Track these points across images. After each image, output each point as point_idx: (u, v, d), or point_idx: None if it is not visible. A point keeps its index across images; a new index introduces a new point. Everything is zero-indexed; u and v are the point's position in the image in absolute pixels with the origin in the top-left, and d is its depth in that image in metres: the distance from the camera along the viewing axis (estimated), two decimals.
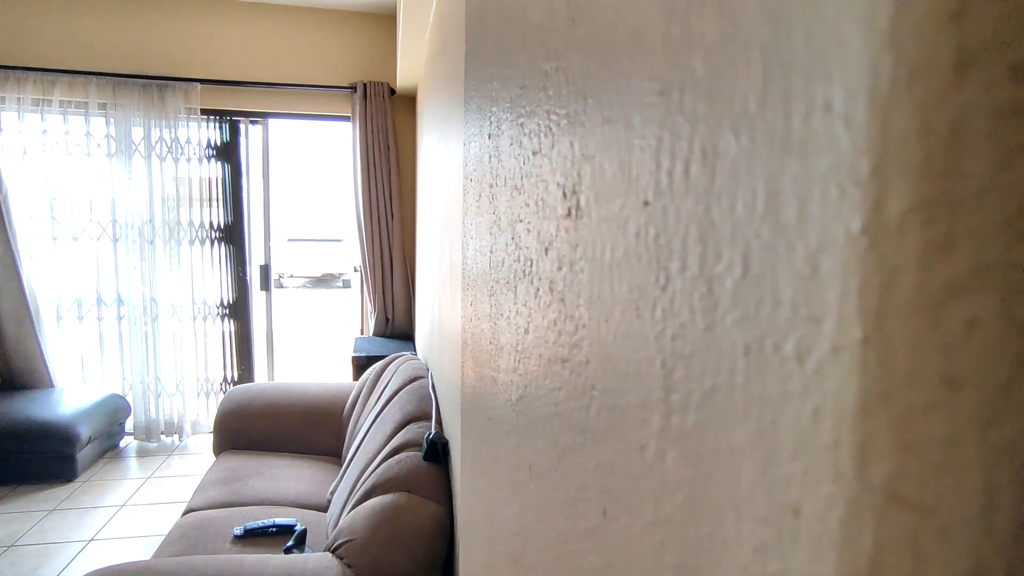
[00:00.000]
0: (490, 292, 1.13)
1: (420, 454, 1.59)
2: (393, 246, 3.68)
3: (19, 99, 3.35)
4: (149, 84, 3.44)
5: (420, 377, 2.15)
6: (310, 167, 13.12)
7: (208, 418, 3.78)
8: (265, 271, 3.88)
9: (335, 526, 1.87)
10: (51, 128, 3.45)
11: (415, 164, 3.78)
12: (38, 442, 3.03)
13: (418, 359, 2.47)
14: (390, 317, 3.73)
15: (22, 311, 3.43)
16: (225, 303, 3.76)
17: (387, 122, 3.61)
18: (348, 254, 11.35)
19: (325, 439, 2.61)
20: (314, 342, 6.71)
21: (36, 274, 3.50)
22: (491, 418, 1.13)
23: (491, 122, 1.12)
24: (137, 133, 3.50)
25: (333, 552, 1.49)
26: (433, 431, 1.60)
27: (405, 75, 3.18)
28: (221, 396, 3.80)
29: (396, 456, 1.63)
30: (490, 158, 1.14)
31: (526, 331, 0.91)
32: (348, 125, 3.81)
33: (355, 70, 3.70)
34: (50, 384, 3.53)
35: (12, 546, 2.53)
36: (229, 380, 3.82)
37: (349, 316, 8.35)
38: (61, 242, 3.56)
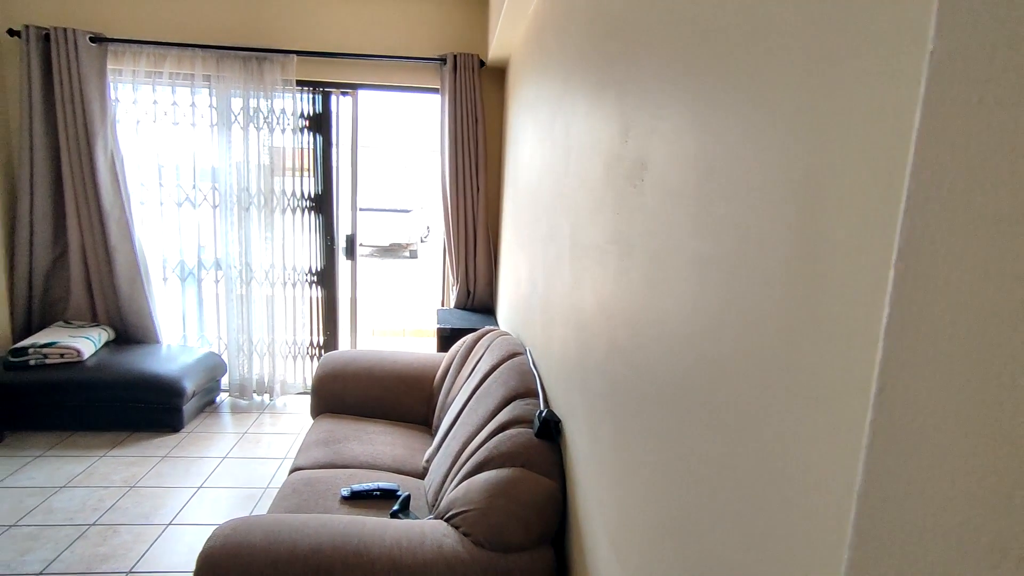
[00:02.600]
0: (618, 270, 1.11)
1: (531, 431, 1.60)
2: (477, 219, 3.70)
3: (134, 72, 3.53)
4: (249, 56, 3.55)
5: (518, 353, 2.17)
6: (383, 138, 13.35)
7: (295, 379, 3.96)
8: (351, 240, 3.98)
9: (436, 494, 1.93)
10: (161, 99, 3.62)
11: (501, 137, 3.76)
12: (150, 393, 3.26)
13: (510, 334, 2.49)
14: (471, 290, 3.77)
15: (134, 271, 3.66)
16: (313, 270, 3.89)
17: (476, 94, 3.59)
18: (416, 225, 11.54)
19: (415, 407, 2.68)
20: (387, 310, 6.90)
21: (146, 237, 3.73)
22: (611, 396, 1.12)
23: (626, 104, 1.08)
24: (236, 104, 3.63)
25: (447, 521, 1.53)
26: (544, 409, 1.61)
27: (499, 47, 3.15)
28: (308, 359, 3.98)
29: (506, 432, 1.65)
30: (619, 138, 1.11)
31: (658, 309, 0.89)
32: (432, 97, 3.83)
33: (445, 42, 3.69)
34: (157, 340, 3.78)
35: (134, 487, 2.76)
36: (315, 344, 3.98)
37: (417, 286, 8.52)
38: (167, 208, 3.77)
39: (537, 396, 1.82)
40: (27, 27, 3.35)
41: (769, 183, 0.57)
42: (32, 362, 3.22)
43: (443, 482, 1.91)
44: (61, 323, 3.62)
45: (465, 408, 2.13)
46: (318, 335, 3.97)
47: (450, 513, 1.54)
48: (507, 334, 2.50)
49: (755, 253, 0.60)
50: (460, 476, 1.68)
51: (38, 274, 3.60)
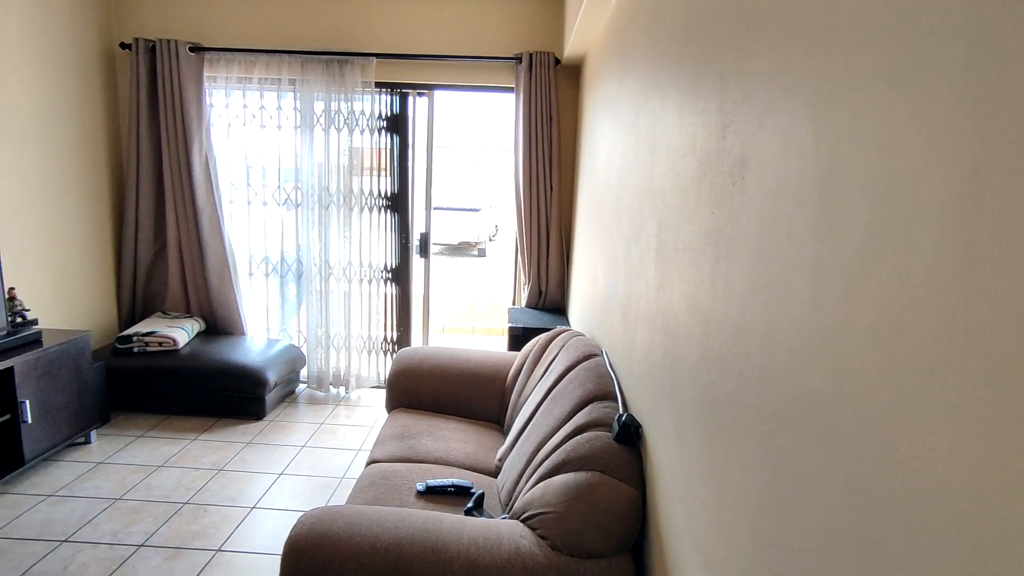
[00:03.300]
0: (714, 272, 1.05)
1: (610, 434, 1.56)
2: (550, 219, 3.68)
3: (227, 78, 3.73)
4: (331, 60, 3.67)
5: (594, 355, 2.13)
6: (453, 137, 13.57)
7: (369, 373, 4.08)
8: (425, 239, 4.05)
9: (510, 494, 1.92)
10: (250, 103, 3.82)
11: (576, 135, 3.72)
12: (237, 382, 3.43)
13: (585, 335, 2.45)
14: (543, 290, 3.75)
15: (223, 266, 3.88)
16: (388, 267, 3.99)
17: (550, 93, 3.57)
18: (485, 224, 11.65)
19: (488, 405, 2.69)
20: (456, 307, 6.99)
21: (234, 234, 3.94)
22: (704, 404, 1.07)
23: (727, 97, 1.03)
24: (319, 107, 3.77)
25: (524, 522, 1.52)
26: (624, 413, 1.57)
27: (576, 44, 3.11)
28: (382, 354, 4.08)
29: (584, 434, 1.62)
30: (716, 133, 1.05)
31: (765, 316, 0.83)
32: (503, 96, 3.84)
33: (520, 41, 3.69)
34: (243, 332, 3.98)
35: (221, 470, 2.91)
36: (389, 340, 4.08)
37: (486, 284, 8.60)
38: (254, 206, 3.97)
39: (615, 399, 1.78)
40: (136, 40, 3.61)
41: (920, 181, 0.52)
42: (135, 349, 3.47)
43: (517, 482, 1.90)
44: (160, 314, 3.88)
45: (539, 408, 2.12)
46: (392, 331, 4.07)
47: (526, 514, 1.53)
48: (581, 335, 2.46)
49: (894, 256, 0.54)
50: (536, 477, 1.66)
51: (141, 268, 3.88)
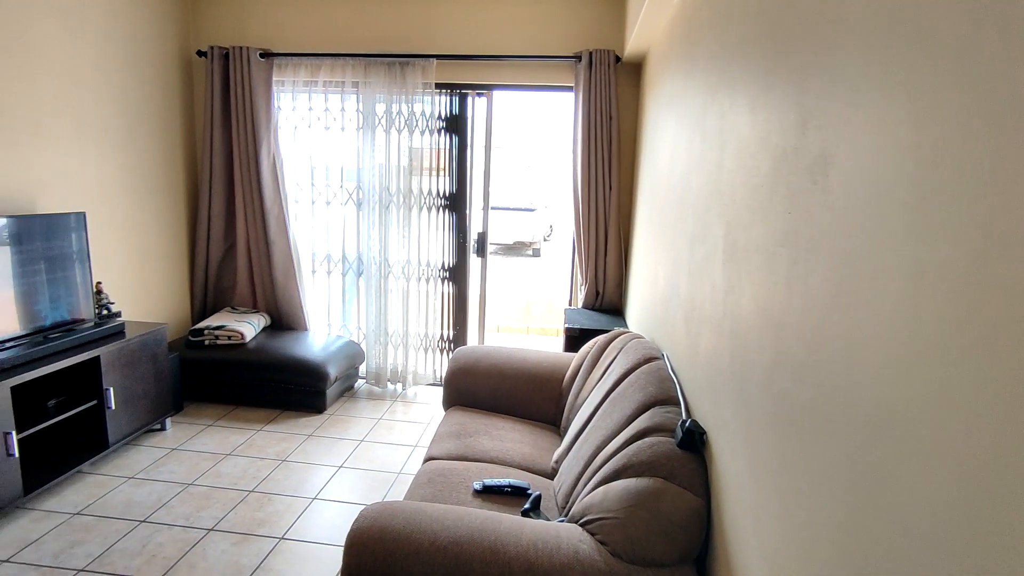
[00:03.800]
0: (790, 275, 1.00)
1: (672, 440, 1.52)
2: (609, 219, 3.63)
3: (293, 82, 3.87)
4: (393, 62, 3.74)
5: (654, 358, 2.08)
6: (509, 137, 13.63)
7: (426, 370, 4.13)
8: (482, 238, 4.08)
9: (567, 496, 1.90)
10: (315, 106, 3.94)
11: (636, 134, 3.66)
12: (299, 376, 3.55)
13: (644, 338, 2.40)
14: (600, 291, 3.71)
15: (288, 263, 4.02)
16: (446, 266, 4.04)
17: (611, 91, 3.52)
18: (539, 224, 11.63)
19: (544, 406, 2.68)
20: (511, 306, 7.01)
21: (298, 232, 4.07)
22: (777, 413, 1.01)
23: (807, 91, 0.97)
24: (380, 108, 3.84)
25: (583, 526, 1.50)
26: (688, 419, 1.52)
27: (637, 42, 3.05)
28: (438, 352, 4.13)
29: (645, 439, 1.58)
30: (794, 130, 0.99)
31: (850, 322, 0.78)
32: (559, 95, 3.81)
33: (580, 39, 3.66)
34: (305, 328, 4.12)
35: (284, 461, 3.02)
36: (445, 338, 4.12)
37: (540, 284, 8.58)
38: (317, 206, 4.09)
39: (678, 404, 1.73)
40: (212, 48, 3.79)
41: None
42: (206, 342, 3.65)
43: (574, 485, 1.88)
44: (229, 308, 4.06)
45: (598, 411, 2.08)
46: (448, 329, 4.12)
47: (585, 519, 1.51)
48: (641, 337, 2.41)
49: (1020, 259, 0.50)
50: (595, 482, 1.64)
51: (212, 265, 4.06)
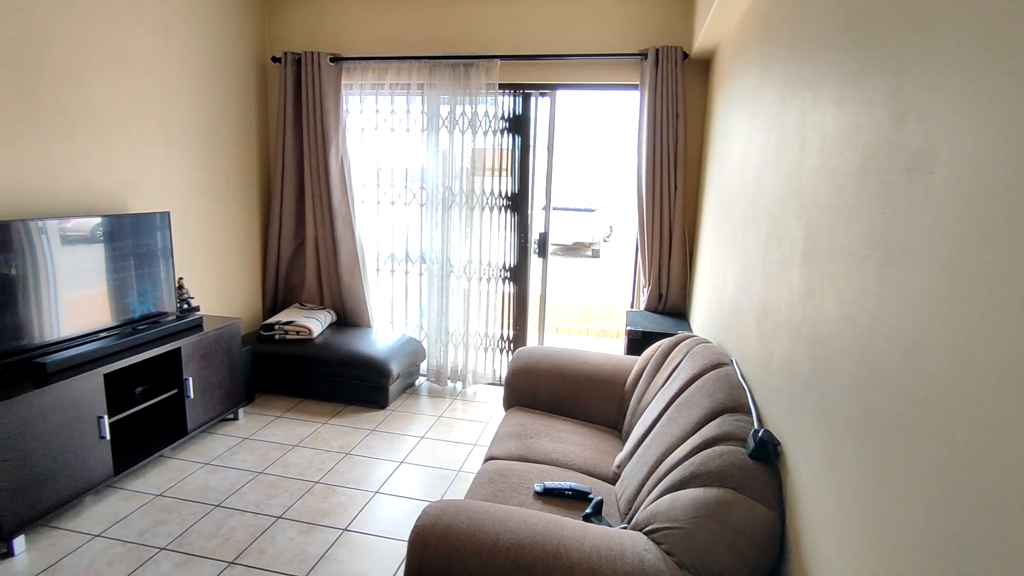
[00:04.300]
0: (880, 280, 0.93)
1: (743, 450, 1.46)
2: (674, 219, 3.54)
3: (361, 85, 3.97)
4: (458, 64, 3.78)
5: (722, 364, 2.01)
6: (569, 137, 13.56)
7: (485, 370, 4.16)
8: (543, 239, 4.06)
9: (629, 502, 1.86)
10: (381, 108, 4.03)
11: (703, 132, 3.55)
12: (363, 371, 3.64)
13: (711, 342, 2.32)
14: (664, 293, 3.62)
15: (353, 261, 4.13)
16: (507, 266, 4.04)
17: (677, 88, 3.43)
18: (599, 224, 11.51)
19: (605, 409, 2.64)
20: (570, 307, 6.97)
21: (364, 231, 4.18)
22: (865, 428, 0.95)
23: (905, 81, 0.90)
24: (444, 109, 3.89)
25: (647, 534, 1.46)
26: (760, 428, 1.45)
27: (707, 37, 2.96)
28: (498, 351, 4.14)
29: (713, 448, 1.52)
30: (889, 123, 0.92)
31: (957, 334, 0.71)
32: (621, 94, 3.75)
33: (646, 36, 3.58)
34: (369, 324, 4.22)
35: (348, 454, 3.10)
36: (505, 338, 4.13)
37: (600, 285, 8.48)
38: (382, 206, 4.19)
39: (748, 413, 1.66)
40: (285, 54, 3.94)
41: None
42: (276, 336, 3.80)
43: (637, 492, 1.84)
44: (297, 305, 4.21)
45: (662, 417, 2.03)
46: (508, 329, 4.12)
47: (651, 527, 1.47)
48: (707, 341, 2.34)
49: None
50: (660, 489, 1.59)
51: (283, 262, 4.23)
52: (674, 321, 3.43)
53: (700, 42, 3.10)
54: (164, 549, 2.26)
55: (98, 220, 2.72)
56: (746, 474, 1.39)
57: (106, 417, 2.53)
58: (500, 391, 4.10)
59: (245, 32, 3.93)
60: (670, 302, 3.62)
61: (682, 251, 3.56)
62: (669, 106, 3.45)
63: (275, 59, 4.02)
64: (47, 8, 2.63)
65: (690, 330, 3.29)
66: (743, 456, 1.44)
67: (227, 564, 2.19)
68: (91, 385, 2.46)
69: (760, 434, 1.42)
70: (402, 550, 2.32)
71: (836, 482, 1.07)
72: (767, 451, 1.40)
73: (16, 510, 2.18)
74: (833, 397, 1.11)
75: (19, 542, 2.22)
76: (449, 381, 4.15)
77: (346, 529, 2.44)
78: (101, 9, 2.89)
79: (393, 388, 3.78)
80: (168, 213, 3.10)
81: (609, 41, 3.64)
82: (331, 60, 3.89)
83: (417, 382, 4.25)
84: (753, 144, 2.04)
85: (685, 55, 3.44)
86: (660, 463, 1.80)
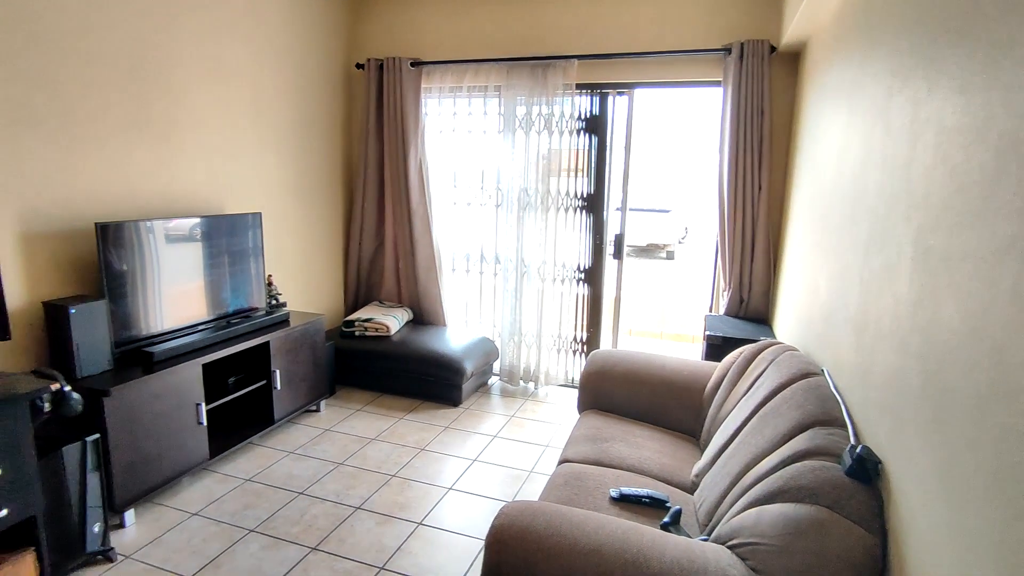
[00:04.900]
0: (1015, 290, 0.84)
1: (839, 467, 1.37)
2: (757, 221, 3.39)
3: (440, 88, 4.05)
4: (536, 64, 3.78)
5: (812, 373, 1.90)
6: (644, 137, 13.29)
7: (557, 371, 4.14)
8: (619, 240, 4.00)
9: (709, 514, 1.79)
10: (459, 110, 4.10)
11: (790, 129, 3.38)
12: (438, 369, 3.71)
13: (797, 350, 2.20)
14: (745, 297, 3.47)
15: (430, 261, 4.22)
16: (581, 268, 4.01)
17: (763, 84, 3.28)
18: (674, 226, 11.21)
19: (682, 416, 2.56)
20: (644, 310, 6.83)
21: (441, 232, 4.26)
22: (993, 455, 0.86)
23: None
24: (520, 111, 3.90)
25: (731, 548, 1.40)
26: (859, 444, 1.36)
27: (798, 29, 2.81)
28: (571, 353, 4.11)
29: (804, 462, 1.44)
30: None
31: None
32: (699, 91, 3.62)
33: (729, 30, 3.45)
34: (444, 323, 4.30)
35: (423, 449, 3.17)
36: (578, 340, 4.10)
37: (674, 288, 8.26)
38: (458, 207, 4.25)
39: (843, 427, 1.56)
40: (369, 60, 4.08)
41: None
42: (356, 333, 3.94)
43: (718, 502, 1.77)
44: (376, 302, 4.35)
45: (745, 426, 1.94)
46: (582, 331, 4.09)
47: (735, 541, 1.40)
48: (794, 349, 2.22)
49: None
50: (745, 502, 1.52)
51: (363, 261, 4.38)
52: (756, 327, 3.28)
53: (790, 34, 2.95)
54: (253, 531, 2.39)
55: (197, 220, 2.91)
56: (842, 492, 1.30)
57: (203, 404, 2.70)
58: (572, 393, 4.07)
59: (332, 41, 4.10)
60: (752, 307, 3.47)
61: (766, 254, 3.41)
62: (753, 102, 3.30)
63: (359, 65, 4.16)
64: (165, 34, 2.84)
65: (773, 336, 3.14)
66: (838, 473, 1.35)
67: (310, 549, 2.28)
68: (191, 374, 2.63)
69: (858, 451, 1.33)
70: (475, 548, 2.34)
71: (958, 513, 0.98)
72: (866, 469, 1.31)
73: (128, 485, 2.37)
74: (952, 416, 1.02)
75: (129, 515, 2.41)
76: (521, 381, 4.16)
77: (421, 523, 2.49)
78: (205, 29, 3.09)
79: (466, 386, 3.83)
80: (260, 214, 3.28)
81: (690, 37, 3.53)
82: (411, 64, 3.99)
83: (490, 381, 4.28)
84: (852, 140, 1.91)
85: (772, 48, 3.29)
86: (743, 475, 1.72)
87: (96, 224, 2.41)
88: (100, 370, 2.40)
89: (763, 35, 3.38)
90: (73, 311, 2.29)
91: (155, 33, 2.83)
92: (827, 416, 1.62)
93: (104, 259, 2.45)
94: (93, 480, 2.15)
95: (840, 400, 1.70)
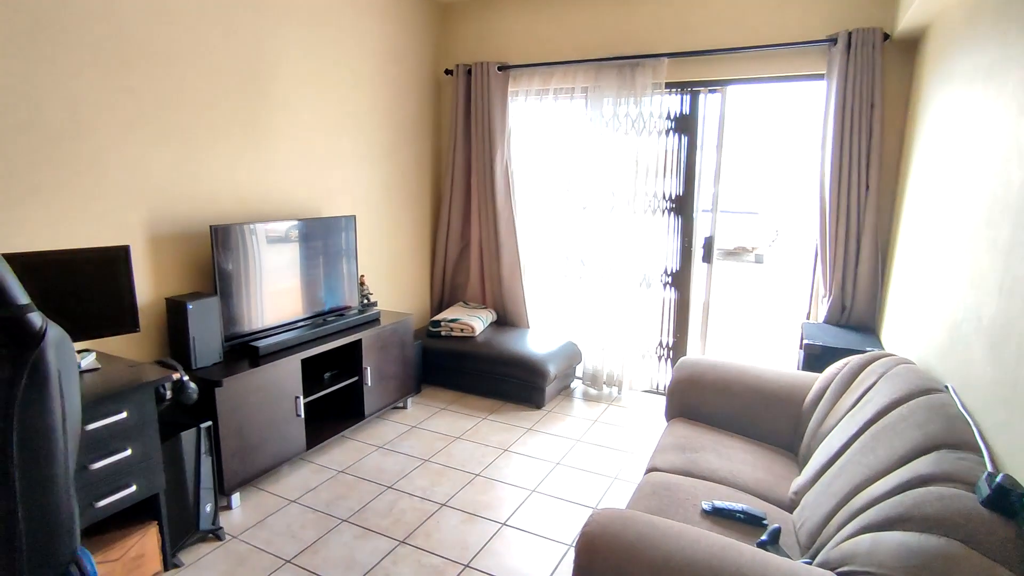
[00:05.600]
0: None
1: (972, 495, 1.24)
2: (863, 223, 3.16)
3: (526, 91, 4.07)
4: (624, 64, 3.72)
5: (933, 390, 1.74)
6: (732, 135, 12.78)
7: (642, 377, 4.04)
8: (709, 243, 3.85)
9: (812, 535, 1.68)
10: (545, 113, 4.10)
11: (904, 124, 3.12)
12: (521, 371, 3.72)
13: (913, 363, 2.02)
14: (848, 305, 3.24)
15: (514, 263, 4.25)
16: (668, 271, 3.89)
17: (874, 75, 3.05)
18: (763, 228, 10.71)
19: (777, 429, 2.42)
20: (733, 316, 6.55)
21: (525, 234, 4.28)
22: None
23: None
24: (608, 111, 3.85)
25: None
26: (998, 473, 1.22)
27: (919, 12, 2.59)
28: (656, 359, 4.00)
29: (930, 488, 1.31)
30: None
31: None
32: (802, 84, 3.41)
33: (834, 19, 3.23)
34: (527, 325, 4.31)
35: (506, 450, 3.18)
36: (664, 345, 3.98)
37: (764, 293, 7.87)
38: (544, 209, 4.25)
39: (975, 451, 1.41)
40: (457, 66, 4.17)
41: None
42: (442, 333, 4.02)
43: (823, 524, 1.65)
44: (462, 303, 4.43)
45: (853, 443, 1.81)
46: (668, 336, 3.97)
47: (847, 568, 1.30)
48: (909, 362, 2.04)
49: None
50: (856, 526, 1.41)
51: (450, 263, 4.48)
52: (860, 336, 3.05)
53: (908, 19, 2.72)
54: (345, 521, 2.49)
55: (296, 223, 3.08)
56: (978, 526, 1.18)
57: (301, 397, 2.85)
58: (655, 399, 3.96)
59: (423, 50, 4.22)
60: (855, 315, 3.23)
61: (873, 258, 3.16)
62: (862, 95, 3.08)
63: (447, 71, 4.26)
64: (272, 52, 3.03)
65: (880, 346, 2.91)
66: (973, 503, 1.22)
67: (398, 542, 2.35)
68: (291, 368, 2.78)
69: (998, 480, 1.19)
70: (558, 552, 2.32)
71: None
72: (1008, 501, 1.17)
73: (235, 470, 2.54)
74: None
75: (236, 498, 2.59)
76: (604, 386, 4.10)
77: (504, 524, 2.50)
78: (307, 43, 3.27)
79: (549, 389, 3.82)
80: (354, 216, 3.42)
81: (789, 29, 3.34)
82: (499, 69, 4.03)
83: (572, 384, 4.25)
84: (990, 132, 1.73)
85: (886, 36, 3.05)
86: (853, 496, 1.60)
87: (211, 227, 2.61)
88: (212, 362, 2.59)
89: (873, 23, 3.14)
90: (190, 307, 2.48)
91: (264, 50, 3.02)
92: (954, 439, 1.47)
93: (216, 259, 2.64)
94: (206, 464, 2.32)
95: (970, 420, 1.54)
